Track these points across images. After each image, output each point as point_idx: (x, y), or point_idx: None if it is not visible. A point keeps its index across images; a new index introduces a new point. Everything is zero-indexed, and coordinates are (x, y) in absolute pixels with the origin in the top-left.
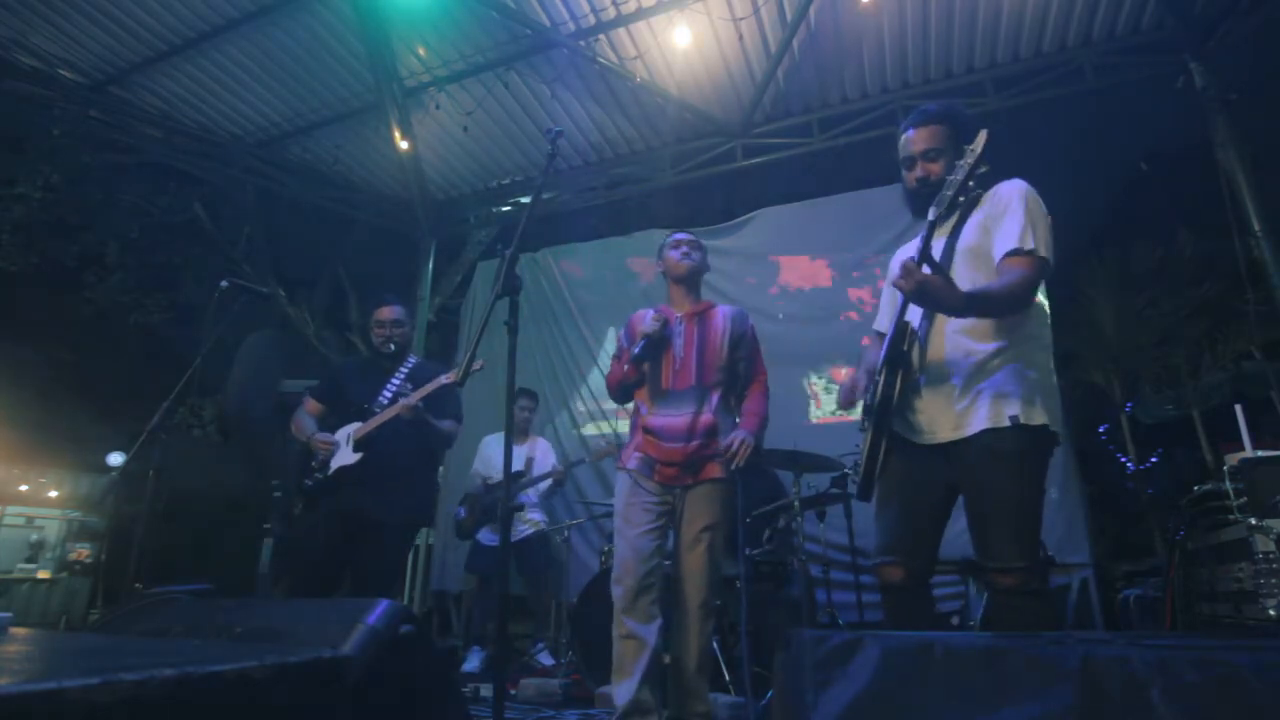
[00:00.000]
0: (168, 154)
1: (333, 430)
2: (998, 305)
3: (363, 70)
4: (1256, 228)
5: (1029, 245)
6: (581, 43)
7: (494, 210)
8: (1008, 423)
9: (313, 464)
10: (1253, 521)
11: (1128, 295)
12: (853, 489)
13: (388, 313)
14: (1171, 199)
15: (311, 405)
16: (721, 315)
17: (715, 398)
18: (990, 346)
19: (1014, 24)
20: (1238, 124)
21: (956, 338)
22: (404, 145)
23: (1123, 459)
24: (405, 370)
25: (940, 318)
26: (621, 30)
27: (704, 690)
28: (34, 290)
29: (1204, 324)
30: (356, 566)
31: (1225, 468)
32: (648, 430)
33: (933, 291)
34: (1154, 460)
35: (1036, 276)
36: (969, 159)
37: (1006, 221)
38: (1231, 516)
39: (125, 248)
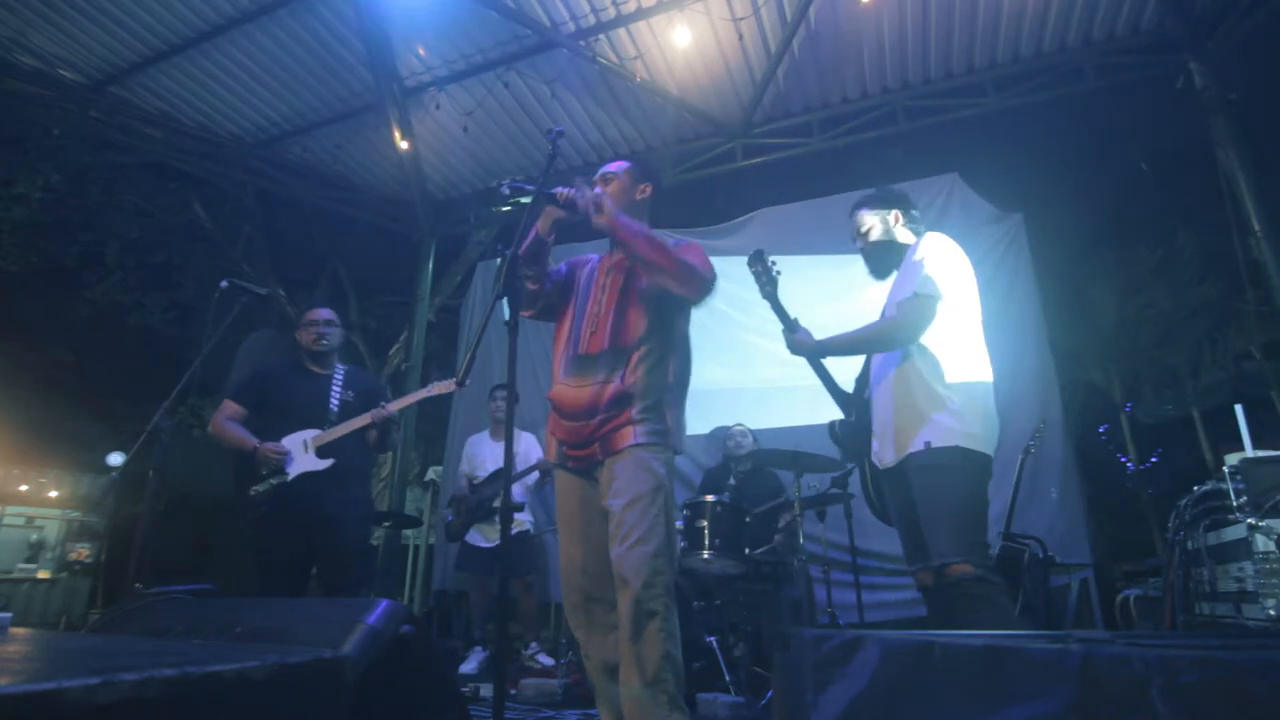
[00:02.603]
0: (168, 154)
1: (262, 435)
2: (860, 344)
3: (363, 70)
4: (1256, 228)
5: (901, 296)
6: (581, 43)
7: (494, 210)
8: (922, 446)
9: (263, 471)
10: (1253, 521)
11: (1128, 295)
12: (852, 490)
13: (322, 313)
14: (1171, 199)
15: (234, 409)
16: None
17: (634, 358)
18: (907, 386)
19: (1014, 24)
20: (1238, 124)
21: (886, 381)
22: (404, 145)
23: (1123, 459)
24: (341, 377)
25: (876, 365)
26: (621, 30)
27: (656, 711)
28: (34, 290)
29: (1204, 324)
30: (325, 560)
31: (1225, 468)
32: (553, 405)
33: (795, 346)
34: (1154, 460)
35: (901, 315)
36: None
37: (903, 277)
38: (1231, 516)
39: (125, 248)
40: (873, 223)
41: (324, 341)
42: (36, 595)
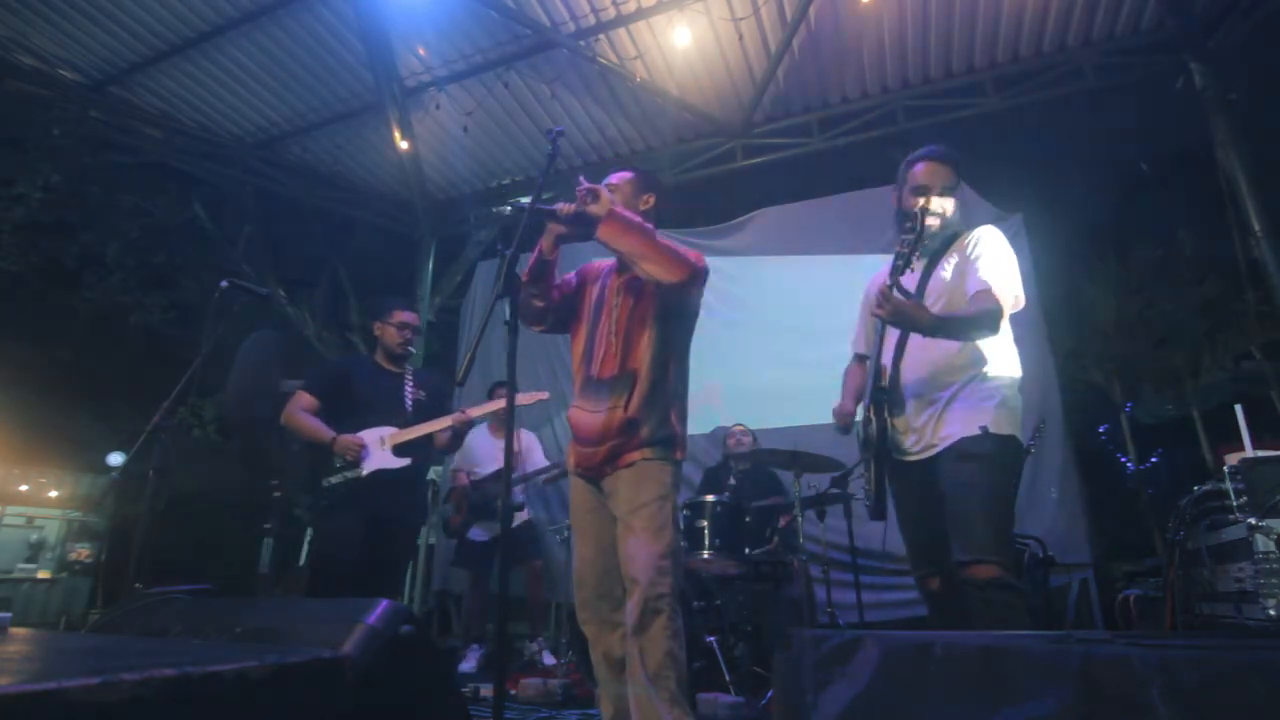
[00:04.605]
0: (168, 154)
1: (334, 429)
2: (963, 328)
3: (363, 70)
4: (1256, 228)
5: (991, 284)
6: (581, 43)
7: (494, 210)
8: (978, 430)
9: (337, 464)
10: (1253, 521)
11: (1128, 295)
12: (852, 490)
13: (413, 317)
14: (1171, 199)
15: (308, 400)
16: None
17: (641, 380)
18: (962, 373)
19: (1014, 24)
20: (1238, 124)
21: (931, 367)
22: (404, 145)
23: (1123, 459)
24: (412, 378)
25: (912, 351)
26: (621, 30)
27: (657, 706)
28: (34, 290)
29: (1204, 324)
30: (374, 565)
31: (1225, 468)
32: (570, 425)
33: (907, 313)
34: (1154, 460)
35: (999, 308)
36: (935, 216)
37: (981, 264)
38: (1231, 516)
39: (125, 248)
40: (952, 189)
41: (410, 346)
42: (36, 595)
